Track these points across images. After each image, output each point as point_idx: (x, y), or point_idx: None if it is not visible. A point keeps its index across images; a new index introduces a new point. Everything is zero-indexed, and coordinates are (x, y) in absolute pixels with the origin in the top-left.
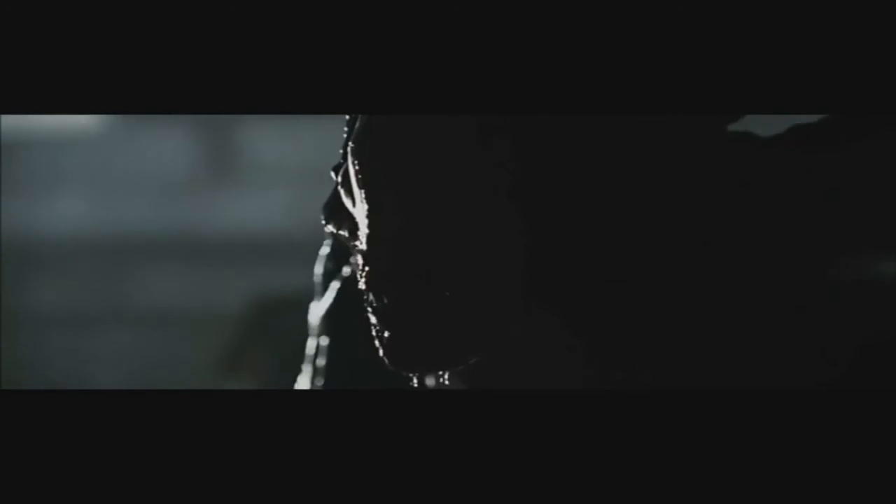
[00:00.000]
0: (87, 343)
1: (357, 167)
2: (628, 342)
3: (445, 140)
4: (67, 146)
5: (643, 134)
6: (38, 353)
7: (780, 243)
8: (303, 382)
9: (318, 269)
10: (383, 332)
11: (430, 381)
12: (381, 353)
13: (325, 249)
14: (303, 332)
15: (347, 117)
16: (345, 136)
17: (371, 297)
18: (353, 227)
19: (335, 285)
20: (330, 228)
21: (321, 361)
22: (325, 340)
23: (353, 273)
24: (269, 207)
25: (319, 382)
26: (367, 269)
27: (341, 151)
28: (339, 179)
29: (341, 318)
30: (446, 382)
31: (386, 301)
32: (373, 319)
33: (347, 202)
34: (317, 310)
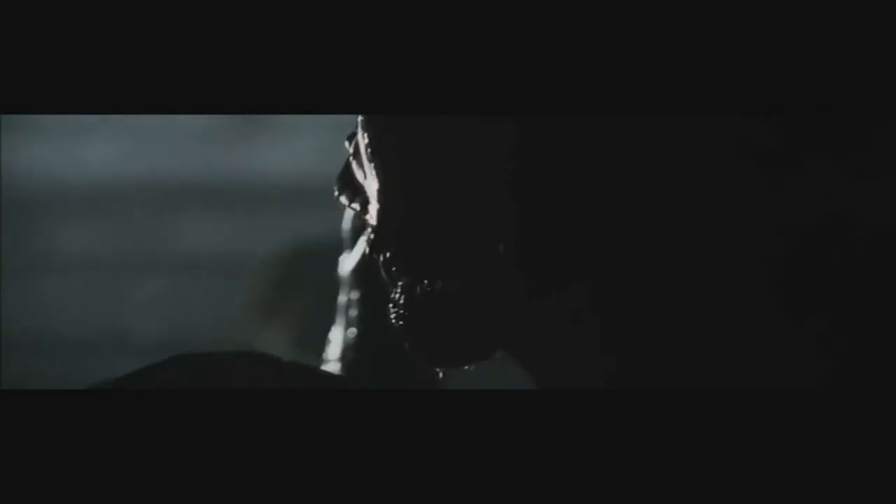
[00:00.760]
0: (121, 290)
1: (368, 139)
2: (640, 333)
3: (457, 119)
4: None
5: (646, 132)
6: (71, 299)
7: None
8: (335, 335)
9: (346, 223)
10: (405, 320)
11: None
12: (406, 344)
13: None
14: (337, 279)
15: None
16: None
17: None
18: (365, 200)
19: (362, 241)
20: (343, 200)
21: (353, 313)
22: (355, 293)
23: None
24: (303, 154)
25: (352, 334)
26: (376, 243)
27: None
28: (352, 151)
29: (371, 271)
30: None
31: (401, 283)
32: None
33: (359, 174)
34: (346, 263)
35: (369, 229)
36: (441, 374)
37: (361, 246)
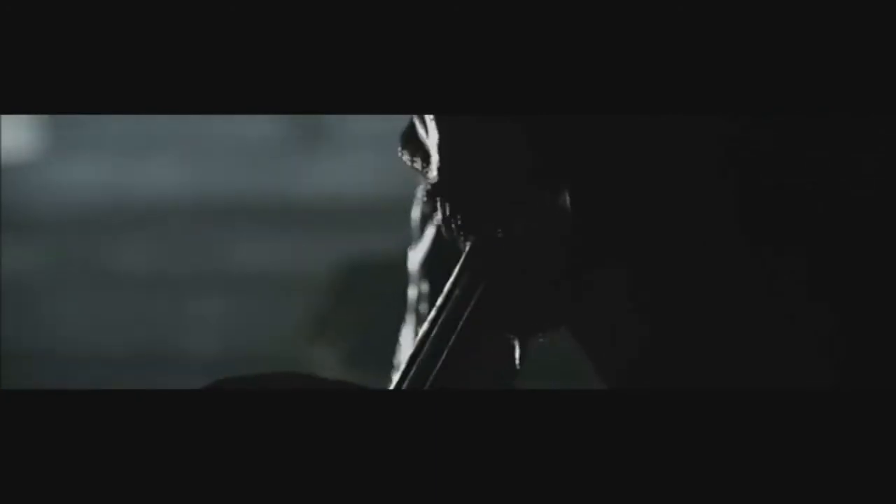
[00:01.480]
0: (177, 307)
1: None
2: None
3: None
4: None
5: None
6: (127, 316)
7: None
8: (406, 331)
9: (415, 213)
10: (473, 286)
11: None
12: (472, 311)
13: (420, 192)
14: (390, 297)
15: None
16: None
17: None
18: (426, 155)
19: (430, 232)
20: (406, 157)
21: (423, 307)
22: (425, 286)
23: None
24: (358, 172)
25: (423, 328)
26: (433, 198)
27: None
28: None
29: (439, 264)
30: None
31: (464, 237)
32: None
33: (421, 131)
34: (415, 255)
35: (428, 184)
36: (517, 349)
37: (430, 237)
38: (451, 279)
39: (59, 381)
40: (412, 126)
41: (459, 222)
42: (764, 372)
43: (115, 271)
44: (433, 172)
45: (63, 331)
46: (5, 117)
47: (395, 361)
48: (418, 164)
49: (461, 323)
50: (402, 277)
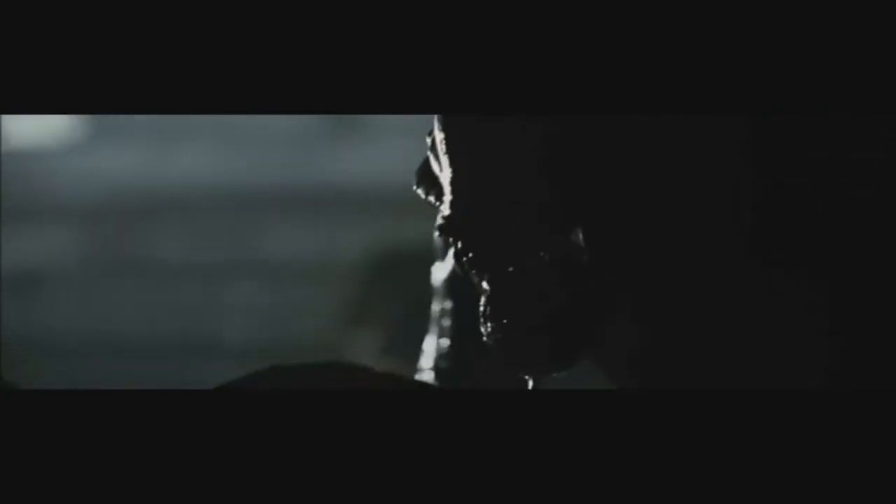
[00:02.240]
0: (213, 295)
1: (443, 132)
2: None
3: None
4: None
5: (661, 132)
6: (163, 304)
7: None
8: (429, 344)
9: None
10: (488, 324)
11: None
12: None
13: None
14: (427, 284)
15: None
16: None
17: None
18: (440, 192)
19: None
20: (420, 192)
21: (446, 322)
22: (448, 302)
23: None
24: (393, 159)
25: (445, 343)
26: (446, 233)
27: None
28: (430, 144)
29: (464, 280)
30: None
31: (478, 280)
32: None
33: (436, 167)
34: (439, 272)
35: (442, 220)
36: (530, 383)
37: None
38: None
39: (92, 370)
40: (427, 162)
41: (471, 258)
42: (764, 371)
43: (150, 259)
44: (446, 208)
45: (97, 319)
46: None
47: (419, 366)
48: (432, 199)
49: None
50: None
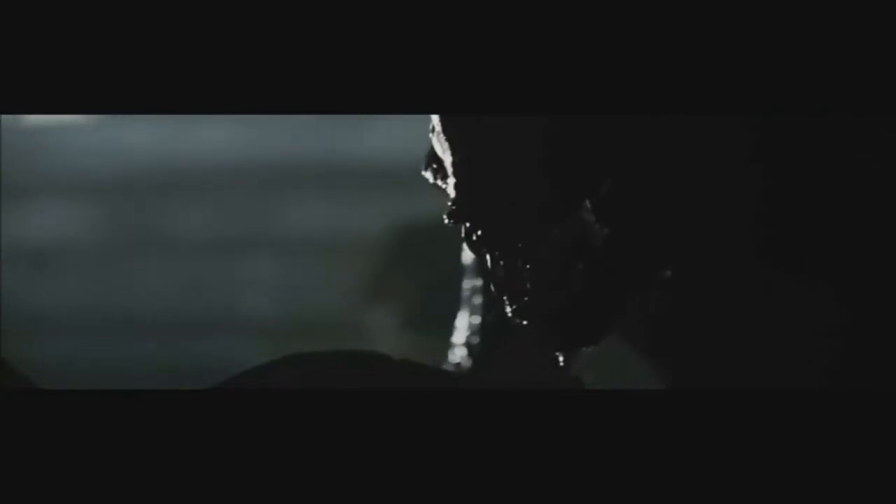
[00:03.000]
0: (232, 271)
1: (439, 118)
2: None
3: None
4: None
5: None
6: (183, 280)
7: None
8: (461, 322)
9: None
10: (510, 305)
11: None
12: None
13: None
14: (446, 259)
15: None
16: None
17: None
18: (445, 175)
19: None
20: (428, 176)
21: (477, 300)
22: (479, 279)
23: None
24: (412, 134)
25: (476, 320)
26: (452, 215)
27: None
28: (432, 129)
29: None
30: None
31: (490, 260)
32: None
33: (439, 151)
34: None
35: (449, 202)
36: (560, 360)
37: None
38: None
39: (110, 346)
40: (432, 145)
41: (479, 236)
42: (765, 371)
43: (170, 235)
44: (452, 191)
45: (115, 295)
46: None
47: (454, 327)
48: (440, 183)
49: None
50: (458, 240)
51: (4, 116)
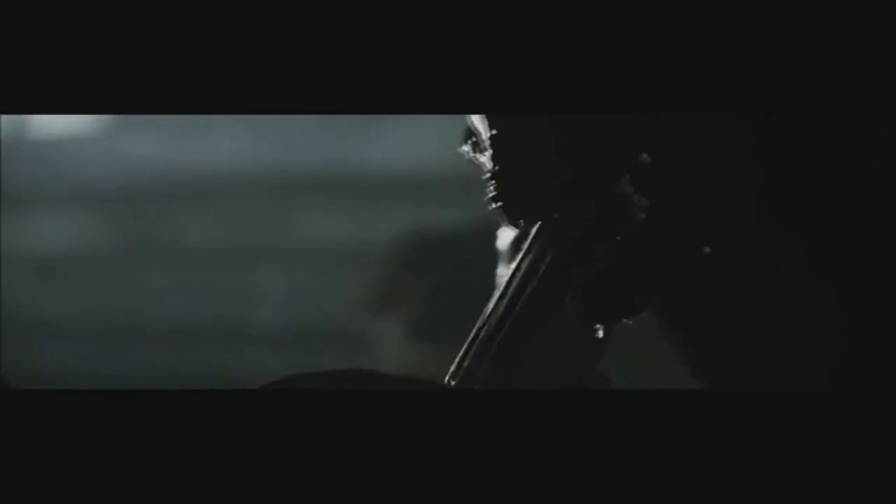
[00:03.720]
0: (241, 280)
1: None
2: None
3: None
4: None
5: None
6: (192, 289)
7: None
8: (491, 307)
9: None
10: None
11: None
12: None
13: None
14: (454, 269)
15: None
16: None
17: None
18: (482, 149)
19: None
20: (465, 148)
21: (512, 285)
22: (513, 266)
23: None
24: (421, 144)
25: (510, 304)
26: (490, 188)
27: None
28: None
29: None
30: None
31: (525, 229)
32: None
33: (475, 122)
34: (504, 236)
35: (487, 173)
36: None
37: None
38: (521, 254)
39: (121, 356)
40: (470, 122)
41: (515, 208)
42: (766, 370)
43: (179, 245)
44: (488, 163)
45: (126, 304)
46: None
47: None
48: (478, 156)
49: (530, 291)
50: (466, 250)
51: (16, 129)
